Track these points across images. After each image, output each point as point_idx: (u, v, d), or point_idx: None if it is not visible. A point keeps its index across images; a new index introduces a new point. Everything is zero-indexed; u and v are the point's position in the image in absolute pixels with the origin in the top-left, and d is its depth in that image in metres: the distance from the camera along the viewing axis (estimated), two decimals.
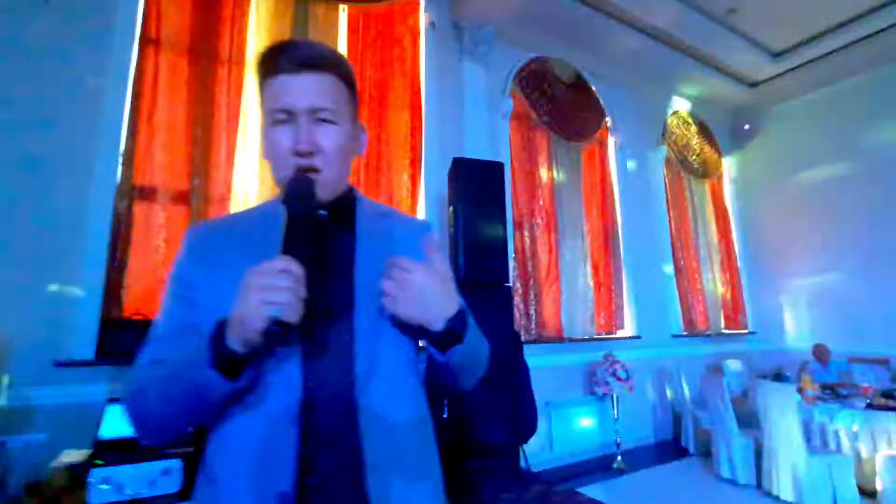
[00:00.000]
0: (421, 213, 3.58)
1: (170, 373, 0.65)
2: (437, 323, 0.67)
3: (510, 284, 3.21)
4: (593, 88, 4.87)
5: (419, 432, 0.74)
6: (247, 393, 0.65)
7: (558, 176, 4.51)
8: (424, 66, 3.78)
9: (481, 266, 3.03)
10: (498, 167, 3.24)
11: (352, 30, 3.59)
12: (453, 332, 0.68)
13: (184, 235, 0.77)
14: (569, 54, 4.68)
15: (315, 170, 0.71)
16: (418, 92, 3.72)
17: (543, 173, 4.45)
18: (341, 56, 0.78)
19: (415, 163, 3.62)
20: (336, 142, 0.73)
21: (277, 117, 0.72)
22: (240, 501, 0.63)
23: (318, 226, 0.72)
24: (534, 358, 3.38)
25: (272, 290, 0.57)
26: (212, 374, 0.60)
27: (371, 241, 0.77)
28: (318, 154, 0.72)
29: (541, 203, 4.36)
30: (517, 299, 3.99)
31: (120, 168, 2.64)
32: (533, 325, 4.08)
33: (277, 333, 0.58)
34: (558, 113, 4.51)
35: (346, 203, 0.79)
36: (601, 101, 4.90)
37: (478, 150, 3.79)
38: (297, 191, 0.68)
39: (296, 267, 0.59)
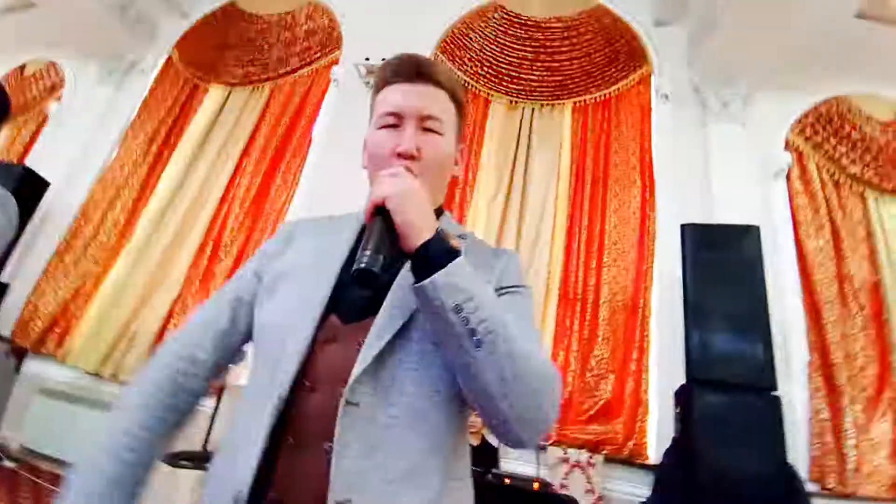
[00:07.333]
0: (654, 293, 3.08)
1: None
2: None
3: (777, 392, 2.23)
4: None
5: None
6: None
7: (886, 249, 3.14)
8: (657, 138, 3.46)
9: (720, 358, 2.29)
10: (747, 231, 2.52)
11: (575, 120, 3.63)
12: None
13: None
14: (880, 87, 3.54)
15: (412, 171, 0.68)
16: (650, 166, 3.39)
17: (853, 242, 3.15)
18: (456, 81, 0.81)
19: (643, 239, 3.21)
20: (438, 151, 0.74)
21: (387, 120, 0.74)
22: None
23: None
24: None
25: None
26: None
27: None
28: (419, 160, 0.71)
29: (854, 285, 3.02)
30: (819, 426, 2.72)
31: None
32: (849, 471, 2.63)
33: None
34: (876, 162, 3.31)
35: None
36: None
37: (734, 219, 2.94)
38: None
39: None
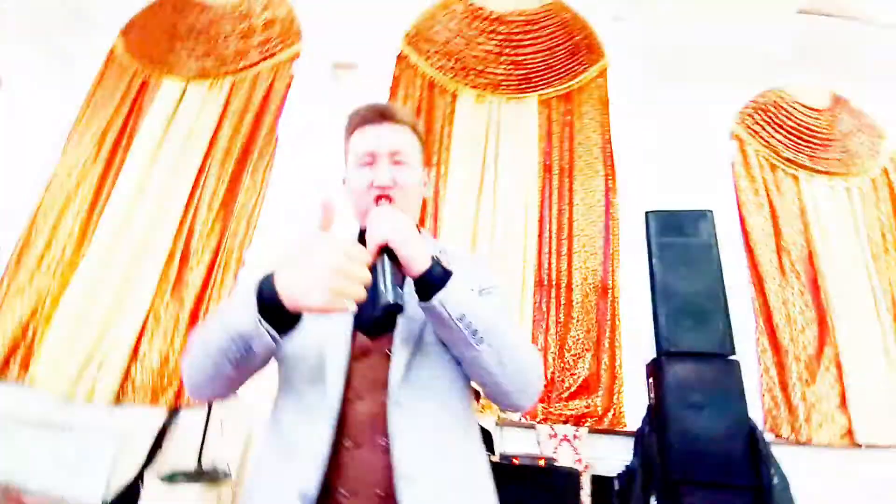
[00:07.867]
0: (621, 275, 3.33)
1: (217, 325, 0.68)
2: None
3: (735, 358, 2.57)
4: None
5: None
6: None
7: (818, 222, 3.52)
8: (615, 130, 3.70)
9: (684, 331, 2.59)
10: (703, 216, 2.84)
11: (541, 113, 3.77)
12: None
13: None
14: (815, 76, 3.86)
15: (390, 200, 0.83)
16: (611, 156, 3.63)
17: (789, 218, 3.54)
18: (412, 115, 0.97)
19: (608, 225, 3.47)
20: (409, 179, 0.87)
21: (363, 159, 0.87)
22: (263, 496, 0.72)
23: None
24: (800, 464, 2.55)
25: (350, 278, 0.59)
26: (257, 322, 0.62)
27: None
28: (395, 188, 0.84)
29: (792, 256, 3.41)
30: (767, 381, 3.11)
31: None
32: (801, 421, 2.96)
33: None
34: (808, 147, 3.70)
35: None
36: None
37: (688, 203, 3.13)
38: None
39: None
